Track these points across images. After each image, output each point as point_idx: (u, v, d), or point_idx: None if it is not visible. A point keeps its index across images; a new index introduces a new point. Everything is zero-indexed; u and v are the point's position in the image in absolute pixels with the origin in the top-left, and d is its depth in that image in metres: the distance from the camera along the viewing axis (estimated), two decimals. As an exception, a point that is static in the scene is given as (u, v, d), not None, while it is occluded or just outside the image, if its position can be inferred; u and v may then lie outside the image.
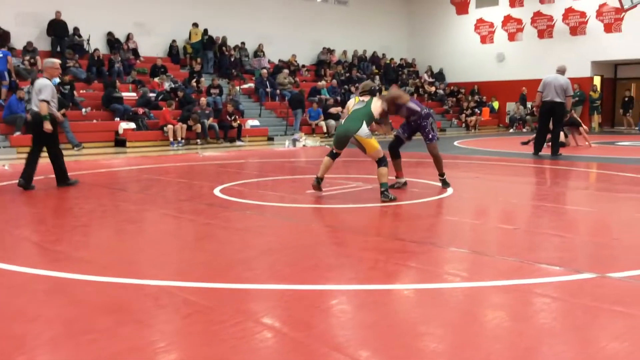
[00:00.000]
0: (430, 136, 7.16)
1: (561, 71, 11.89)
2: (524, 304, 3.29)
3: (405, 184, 7.44)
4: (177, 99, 16.52)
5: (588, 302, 3.23)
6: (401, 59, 26.48)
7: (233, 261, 4.17)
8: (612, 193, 7.27)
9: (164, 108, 15.53)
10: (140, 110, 15.42)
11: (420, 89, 24.37)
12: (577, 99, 21.60)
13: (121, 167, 10.54)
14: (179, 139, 15.10)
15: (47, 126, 7.52)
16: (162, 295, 3.38)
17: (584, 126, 14.13)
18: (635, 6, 18.84)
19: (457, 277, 3.79)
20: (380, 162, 6.60)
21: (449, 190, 7.15)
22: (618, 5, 19.75)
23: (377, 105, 6.72)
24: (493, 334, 2.90)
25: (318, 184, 6.89)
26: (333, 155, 6.94)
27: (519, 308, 3.23)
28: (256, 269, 3.97)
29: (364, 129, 6.54)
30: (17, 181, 7.59)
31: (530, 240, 4.88)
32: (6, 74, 14.62)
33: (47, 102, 7.53)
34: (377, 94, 6.98)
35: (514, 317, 3.09)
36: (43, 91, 7.55)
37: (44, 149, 7.79)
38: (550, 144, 11.96)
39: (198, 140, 15.47)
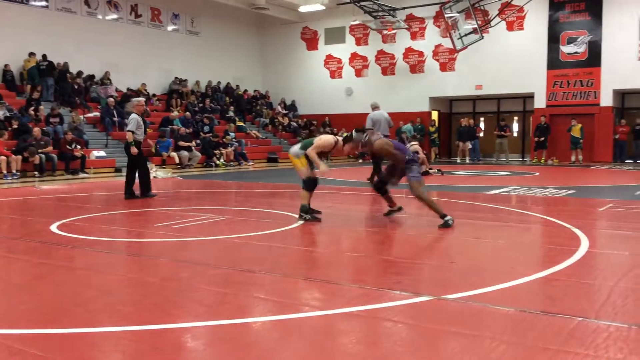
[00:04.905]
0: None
1: (377, 107, 12.78)
2: (369, 330, 3.39)
3: (400, 209, 7.73)
4: (11, 129, 15.19)
5: (425, 325, 3.41)
6: (255, 91, 26.75)
7: (69, 303, 3.85)
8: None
9: (-5, 138, 14.21)
10: (-32, 140, 13.97)
11: (275, 120, 24.75)
12: (418, 134, 23.14)
13: (-58, 203, 9.42)
14: (14, 171, 13.87)
15: (133, 150, 9.54)
16: (-19, 346, 3.02)
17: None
18: (466, 47, 20.75)
19: (307, 307, 3.82)
20: (303, 183, 7.25)
21: (299, 222, 7.24)
22: (451, 47, 21.63)
23: (318, 140, 7.37)
24: (339, 361, 2.93)
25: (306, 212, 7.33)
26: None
27: (365, 334, 3.32)
28: (94, 311, 3.70)
29: (294, 149, 7.36)
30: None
31: (374, 267, 5.08)
32: None
33: (132, 132, 9.53)
34: (347, 139, 7.36)
35: (360, 342, 3.17)
36: (129, 123, 9.67)
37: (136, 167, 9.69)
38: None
39: (36, 173, 14.32)
